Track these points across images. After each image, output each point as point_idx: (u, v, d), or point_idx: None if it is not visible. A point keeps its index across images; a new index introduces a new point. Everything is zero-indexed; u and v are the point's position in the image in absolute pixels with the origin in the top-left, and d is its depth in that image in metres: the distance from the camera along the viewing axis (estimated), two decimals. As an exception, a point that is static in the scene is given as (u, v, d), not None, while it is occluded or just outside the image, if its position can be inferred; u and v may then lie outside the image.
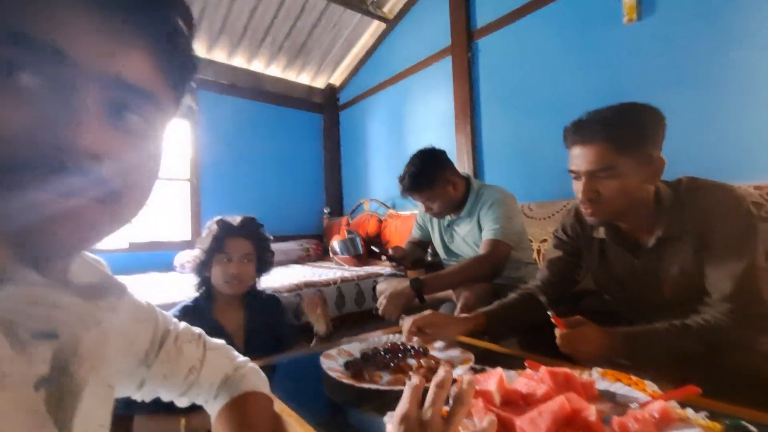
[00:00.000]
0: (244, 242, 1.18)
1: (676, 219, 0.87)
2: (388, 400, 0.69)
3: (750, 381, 0.74)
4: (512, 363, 0.84)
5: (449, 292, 1.41)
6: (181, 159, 3.08)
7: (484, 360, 0.84)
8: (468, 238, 1.53)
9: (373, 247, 1.92)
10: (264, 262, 1.24)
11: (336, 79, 3.76)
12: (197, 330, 0.63)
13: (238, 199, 3.23)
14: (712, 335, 0.80)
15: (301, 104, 3.71)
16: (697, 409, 0.59)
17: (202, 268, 1.17)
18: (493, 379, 0.60)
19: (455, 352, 0.88)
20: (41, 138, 0.26)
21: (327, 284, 2.04)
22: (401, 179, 1.51)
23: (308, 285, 1.98)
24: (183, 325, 0.61)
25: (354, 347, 0.93)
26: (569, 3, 1.99)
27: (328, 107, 3.82)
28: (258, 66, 3.38)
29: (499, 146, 2.34)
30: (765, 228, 1.18)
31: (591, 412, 0.50)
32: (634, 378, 0.69)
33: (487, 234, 1.41)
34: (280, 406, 0.67)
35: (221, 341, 0.66)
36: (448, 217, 1.60)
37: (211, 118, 3.15)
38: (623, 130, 0.83)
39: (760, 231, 0.84)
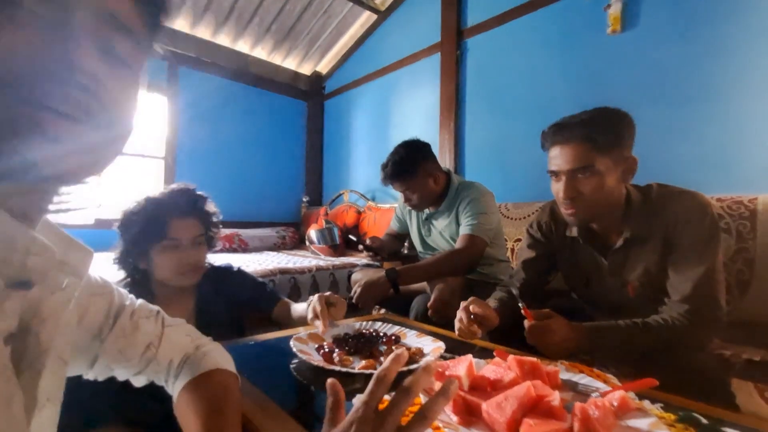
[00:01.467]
0: (193, 222, 0.98)
1: (644, 222, 0.91)
2: (358, 384, 0.69)
3: (701, 378, 0.78)
4: (482, 354, 0.85)
5: (424, 284, 1.43)
6: (155, 136, 2.97)
7: (455, 350, 0.85)
8: (445, 232, 1.55)
9: (350, 236, 1.90)
10: (212, 239, 1.05)
11: (323, 66, 3.70)
12: (155, 307, 0.60)
13: (215, 181, 3.14)
14: (669, 334, 0.84)
15: (285, 89, 3.64)
16: (653, 401, 0.62)
17: (133, 260, 0.95)
18: (463, 365, 0.61)
19: (427, 341, 0.89)
20: (42, 55, 0.26)
21: (302, 272, 2.01)
22: (384, 166, 1.51)
23: (282, 272, 1.95)
24: (140, 301, 0.59)
25: (326, 332, 0.92)
26: (556, 10, 2.03)
27: (313, 95, 3.77)
28: (243, 46, 3.28)
29: (480, 145, 2.37)
30: (725, 239, 1.24)
31: (555, 397, 0.51)
32: (596, 371, 0.72)
33: (464, 229, 1.42)
34: (246, 386, 0.65)
35: (181, 320, 0.63)
36: (426, 211, 1.60)
37: (190, 95, 3.04)
38: (600, 131, 0.86)
39: (720, 238, 0.89)
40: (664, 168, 1.55)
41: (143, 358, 0.55)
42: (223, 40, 3.17)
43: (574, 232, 1.03)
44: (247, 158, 3.40)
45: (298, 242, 3.28)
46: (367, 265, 1.73)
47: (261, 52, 3.39)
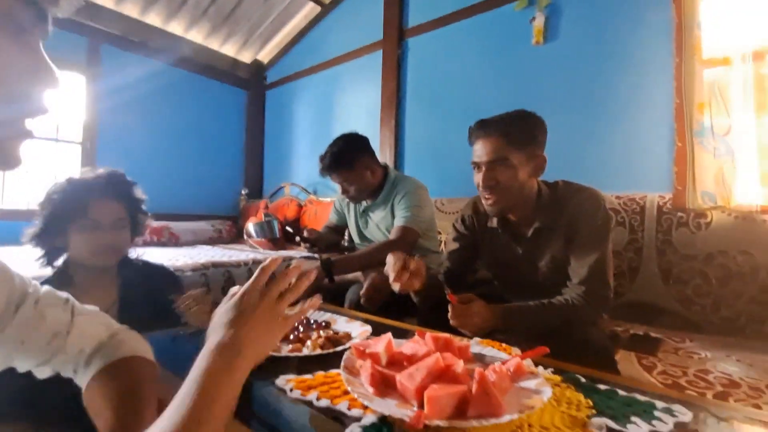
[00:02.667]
0: (115, 204, 0.97)
1: (551, 214, 1.02)
2: (284, 367, 0.70)
3: (591, 349, 0.90)
4: (407, 335, 0.91)
5: (358, 275, 1.46)
6: (72, 119, 2.69)
7: (382, 333, 0.90)
8: (381, 225, 1.60)
9: (287, 228, 1.89)
10: (138, 225, 1.05)
11: (264, 55, 3.59)
12: (64, 294, 0.57)
13: (144, 170, 2.89)
14: (569, 311, 0.96)
15: (223, 77, 3.48)
16: (546, 367, 0.71)
17: (50, 239, 0.94)
18: (382, 342, 0.65)
19: (355, 326, 0.93)
20: None
21: (237, 265, 1.96)
22: (322, 158, 1.53)
23: (216, 265, 1.88)
24: (46, 288, 0.55)
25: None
26: (490, 19, 2.17)
27: (253, 84, 3.64)
28: (176, 28, 3.08)
29: (419, 142, 2.46)
30: (620, 231, 1.42)
31: (459, 365, 0.57)
32: (504, 345, 0.81)
33: (398, 221, 1.48)
34: (166, 376, 0.64)
35: (95, 308, 0.60)
36: (364, 203, 1.64)
37: (115, 77, 2.79)
38: (516, 129, 0.97)
39: (611, 229, 1.03)
40: (574, 167, 1.73)
41: (49, 348, 0.52)
42: (153, 19, 2.95)
43: (494, 223, 1.13)
44: (181, 147, 3.20)
45: (236, 236, 3.16)
46: (305, 258, 1.73)
47: (196, 36, 3.20)
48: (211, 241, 2.94)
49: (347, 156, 1.51)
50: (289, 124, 3.42)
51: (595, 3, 1.79)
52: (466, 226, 1.21)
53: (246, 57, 3.57)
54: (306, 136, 3.27)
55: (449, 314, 0.94)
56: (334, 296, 1.48)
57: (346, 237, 1.90)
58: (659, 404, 0.56)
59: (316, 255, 1.73)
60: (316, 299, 0.58)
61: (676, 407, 0.55)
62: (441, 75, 2.37)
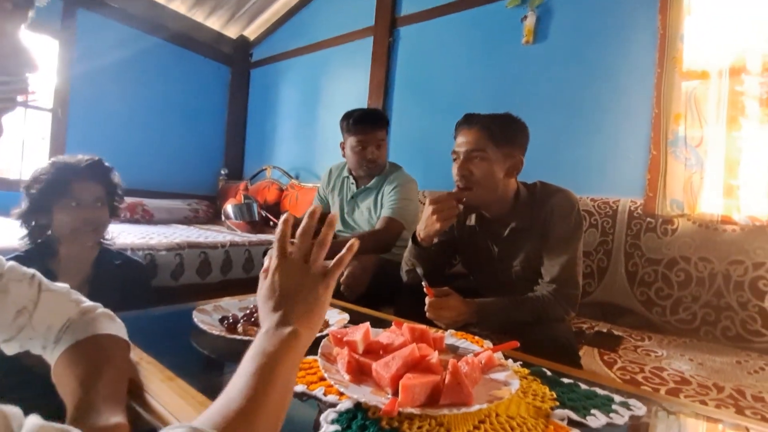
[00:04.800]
0: (95, 186, 1.07)
1: (528, 215, 1.05)
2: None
3: (558, 344, 0.95)
4: (385, 325, 0.93)
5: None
6: (43, 84, 2.54)
7: (359, 322, 0.91)
8: (367, 212, 1.61)
9: (262, 212, 1.86)
10: (114, 208, 1.15)
11: (251, 32, 3.48)
12: (30, 270, 0.55)
13: (118, 142, 2.81)
14: (540, 308, 1.00)
15: (207, 51, 3.35)
16: (515, 360, 0.74)
17: (36, 216, 1.04)
18: (360, 331, 0.66)
19: (333, 313, 0.94)
20: None
21: (214, 246, 1.92)
22: (362, 112, 1.55)
23: (191, 246, 1.84)
24: (11, 263, 0.53)
25: (232, 305, 0.92)
26: (483, 14, 2.17)
27: (238, 61, 3.53)
28: (159, -5, 2.94)
29: (406, 133, 2.46)
30: (592, 233, 1.48)
31: (433, 356, 0.59)
32: (476, 338, 0.83)
33: (386, 211, 1.50)
34: (138, 354, 0.63)
35: (66, 285, 0.59)
36: (353, 188, 1.64)
37: (91, 43, 2.65)
38: (498, 126, 1.00)
39: (583, 231, 1.07)
40: (553, 167, 1.78)
41: (14, 324, 0.51)
42: (134, -16, 2.80)
43: (472, 221, 1.15)
44: (158, 121, 3.09)
45: (213, 217, 3.10)
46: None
47: (180, 6, 3.06)
48: (187, 221, 2.87)
49: (385, 118, 1.61)
50: (274, 105, 3.35)
51: (585, 8, 1.82)
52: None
53: (231, 32, 3.45)
54: (290, 118, 3.21)
55: (426, 306, 0.97)
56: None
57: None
58: (617, 398, 0.60)
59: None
60: (333, 218, 0.53)
61: (632, 401, 0.59)
62: (431, 67, 2.37)
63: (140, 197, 2.71)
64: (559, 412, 0.54)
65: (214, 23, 3.31)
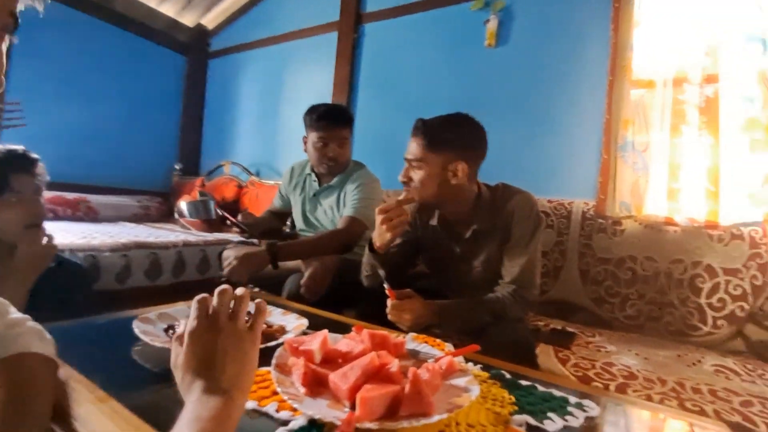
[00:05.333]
0: (30, 178, 1.02)
1: (489, 217, 1.06)
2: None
3: (516, 344, 0.96)
4: (346, 329, 0.90)
5: (298, 263, 1.42)
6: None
7: (319, 327, 0.88)
8: (330, 211, 1.57)
9: (219, 211, 1.78)
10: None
11: (209, 20, 3.31)
12: None
13: (56, 133, 2.57)
14: (499, 308, 1.01)
15: (160, 38, 3.15)
16: (476, 363, 0.74)
17: None
18: (317, 339, 0.63)
19: (291, 318, 0.90)
20: None
21: (165, 247, 1.81)
22: (326, 108, 1.51)
23: (140, 246, 1.72)
24: None
25: (179, 311, 0.85)
26: (447, 15, 2.18)
27: (195, 50, 3.35)
28: (104, -26, 2.72)
29: (369, 132, 2.43)
30: (549, 233, 1.52)
31: (393, 364, 0.57)
32: (438, 341, 0.83)
33: (348, 211, 1.46)
34: (68, 372, 0.57)
35: None
36: (316, 186, 1.60)
37: (30, 26, 2.39)
38: (439, 133, 1.01)
39: (542, 232, 1.10)
40: (513, 168, 1.82)
41: None
42: (76, -39, 2.57)
43: (435, 221, 1.15)
44: (105, 111, 2.86)
45: (166, 214, 2.92)
46: (242, 242, 1.64)
47: (129, -13, 2.85)
48: (136, 219, 2.69)
49: (350, 114, 1.57)
50: (233, 98, 3.21)
51: (544, 15, 1.88)
52: (410, 223, 1.22)
53: (188, 20, 3.26)
54: (251, 112, 3.09)
55: (387, 309, 0.95)
56: (271, 285, 1.43)
57: (289, 223, 1.84)
58: (572, 399, 0.61)
59: (254, 240, 1.65)
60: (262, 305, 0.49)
61: (586, 402, 0.61)
62: (396, 65, 2.35)
63: (83, 192, 2.50)
64: (518, 417, 0.54)
65: (168, 9, 3.11)
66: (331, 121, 1.48)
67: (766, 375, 1.04)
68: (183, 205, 2.52)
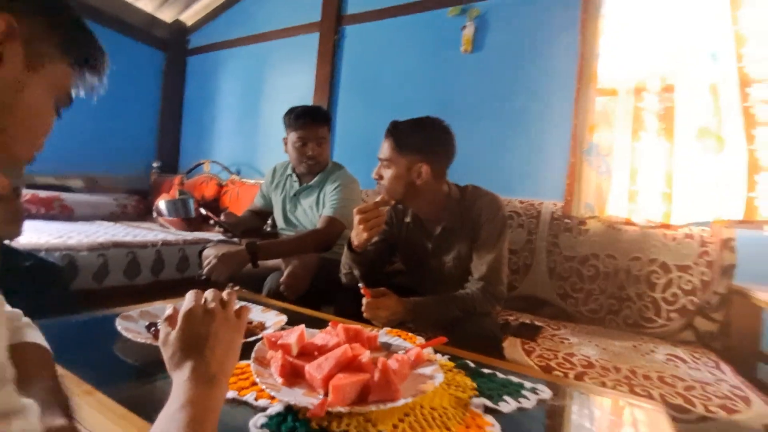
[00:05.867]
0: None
1: (458, 215, 1.13)
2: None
3: (484, 337, 1.03)
4: (323, 325, 0.94)
5: (278, 262, 1.46)
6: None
7: (298, 323, 0.92)
8: (310, 210, 1.60)
9: (202, 210, 1.78)
10: None
11: (188, 17, 3.27)
12: None
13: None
14: (469, 303, 1.07)
15: (138, 34, 3.10)
16: (443, 354, 0.80)
17: None
18: (294, 333, 0.68)
19: (271, 315, 0.94)
20: None
21: (143, 246, 1.80)
22: (304, 109, 1.55)
23: (117, 245, 1.71)
24: None
25: (160, 309, 0.88)
26: (426, 20, 2.23)
27: (173, 47, 3.30)
28: (78, -33, 2.65)
29: (350, 132, 2.47)
30: (519, 232, 1.60)
31: (365, 355, 0.62)
32: (410, 334, 0.88)
33: (327, 210, 1.50)
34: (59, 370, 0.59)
35: None
36: (296, 186, 1.63)
37: None
38: (406, 136, 1.08)
39: (508, 232, 1.17)
40: (487, 170, 1.90)
41: None
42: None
43: (409, 219, 1.21)
44: (80, 107, 2.76)
45: (144, 213, 2.89)
46: (222, 242, 1.66)
47: (104, -19, 2.80)
48: (114, 217, 2.65)
49: (327, 114, 1.60)
50: (213, 96, 3.19)
51: (517, 24, 1.95)
52: (386, 220, 1.27)
53: (166, 15, 3.21)
54: (231, 111, 3.08)
55: (363, 307, 1.00)
56: (252, 284, 1.45)
57: (270, 222, 1.86)
58: (527, 384, 0.67)
59: (235, 239, 1.67)
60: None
61: (540, 386, 0.67)
62: (376, 67, 2.40)
63: (57, 191, 2.45)
64: (477, 400, 0.60)
65: (146, 5, 3.06)
66: (308, 120, 1.52)
67: (709, 362, 1.14)
68: (162, 203, 2.50)
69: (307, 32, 2.64)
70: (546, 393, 0.65)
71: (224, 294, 0.49)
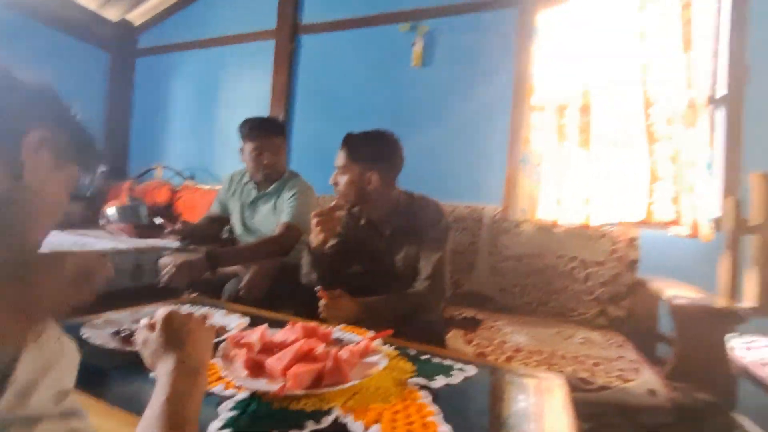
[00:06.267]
0: None
1: (405, 220, 1.26)
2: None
3: (430, 330, 1.16)
4: (282, 325, 1.02)
5: (237, 268, 1.51)
6: None
7: (259, 324, 1.00)
8: (268, 217, 1.66)
9: (155, 220, 1.79)
10: None
11: (136, 17, 3.17)
12: None
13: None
14: (417, 301, 1.20)
15: (80, 33, 2.96)
16: (391, 345, 0.91)
17: None
18: (257, 332, 0.77)
19: (232, 318, 1.00)
20: None
21: (95, 256, 1.77)
22: (259, 120, 1.61)
23: (67, 255, 1.67)
24: None
25: (124, 317, 0.92)
26: (379, 33, 2.36)
27: (120, 47, 3.19)
28: (13, -39, 2.51)
29: (307, 141, 2.54)
30: (464, 234, 1.76)
31: (320, 348, 0.73)
32: (362, 329, 0.99)
33: (285, 217, 1.57)
34: None
35: None
36: (254, 194, 1.68)
37: None
38: (358, 147, 1.22)
39: (452, 235, 1.31)
40: (436, 177, 2.05)
41: None
42: (-22, -56, 2.36)
43: (363, 221, 1.32)
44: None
45: (89, 220, 2.76)
46: (180, 250, 1.68)
47: (43, -23, 2.66)
48: (57, 226, 2.52)
49: (281, 125, 1.67)
50: (165, 99, 3.11)
51: (462, 42, 2.13)
52: (343, 224, 1.38)
53: (111, 14, 3.09)
54: (186, 115, 3.03)
55: (320, 309, 1.09)
56: (211, 291, 1.50)
57: (228, 228, 1.89)
58: (457, 365, 0.81)
59: (188, 248, 1.69)
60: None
61: (468, 367, 0.80)
62: (332, 78, 2.49)
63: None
64: (413, 380, 0.72)
65: (89, 2, 2.93)
66: (263, 131, 1.59)
67: (616, 343, 1.35)
68: (111, 209, 2.43)
69: (263, 39, 2.68)
70: (472, 372, 0.79)
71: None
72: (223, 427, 0.54)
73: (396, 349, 0.89)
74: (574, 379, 1.02)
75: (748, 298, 1.31)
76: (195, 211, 2.52)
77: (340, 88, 2.45)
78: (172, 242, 2.09)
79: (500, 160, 1.96)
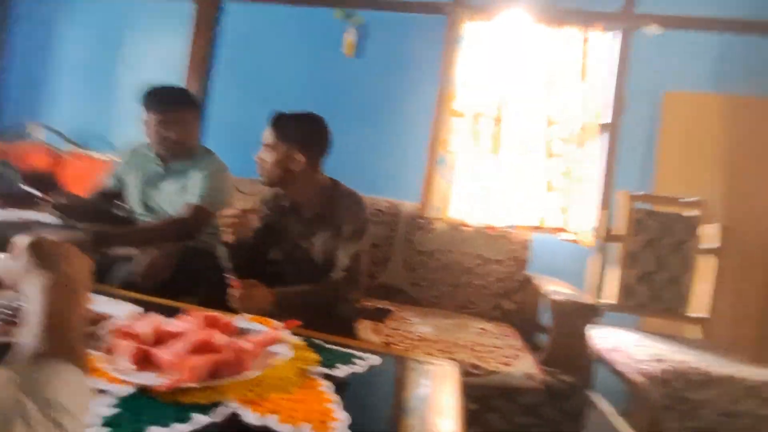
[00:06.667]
0: None
1: (327, 207, 1.26)
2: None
3: (341, 320, 1.18)
4: (174, 313, 0.95)
5: (130, 251, 1.36)
6: None
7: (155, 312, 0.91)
8: (173, 196, 1.51)
9: (27, 188, 1.52)
10: None
11: (16, -59, 2.62)
12: None
13: None
14: (332, 292, 1.21)
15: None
16: (299, 335, 0.91)
17: None
18: (146, 322, 0.71)
19: (120, 305, 0.91)
20: None
21: (-62, 227, 1.45)
22: (168, 89, 1.44)
23: None
24: None
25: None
26: (312, 15, 2.27)
27: (-10, -26, 2.61)
28: None
29: (226, 117, 2.36)
30: (382, 228, 1.81)
31: (217, 338, 0.69)
32: (268, 319, 0.97)
33: (193, 198, 1.44)
34: None
35: None
36: (158, 170, 1.52)
37: None
38: (287, 127, 1.21)
39: (370, 228, 1.34)
40: (360, 169, 2.04)
41: None
42: None
43: (285, 202, 1.28)
44: None
45: (-65, 182, 2.25)
46: (58, 226, 1.45)
47: None
48: None
49: (194, 98, 1.50)
50: (48, 46, 2.64)
51: (393, 40, 2.16)
52: (267, 206, 1.33)
53: (-21, -69, 2.52)
54: (79, 68, 2.60)
55: (230, 297, 1.04)
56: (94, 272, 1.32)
57: (125, 205, 1.68)
58: (361, 355, 0.84)
59: (78, 225, 1.46)
60: None
61: (371, 357, 0.84)
62: (257, 53, 2.34)
63: None
64: (316, 369, 0.73)
65: None
66: (172, 103, 1.43)
67: (506, 333, 1.52)
68: (-34, 173, 2.00)
69: (181, -1, 2.41)
70: (376, 361, 0.82)
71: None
72: (103, 425, 0.50)
73: (304, 339, 0.89)
74: (467, 366, 1.13)
75: (609, 296, 1.57)
76: (86, 182, 2.19)
77: (266, 65, 2.33)
78: (49, 217, 1.80)
79: (420, 159, 2.05)
